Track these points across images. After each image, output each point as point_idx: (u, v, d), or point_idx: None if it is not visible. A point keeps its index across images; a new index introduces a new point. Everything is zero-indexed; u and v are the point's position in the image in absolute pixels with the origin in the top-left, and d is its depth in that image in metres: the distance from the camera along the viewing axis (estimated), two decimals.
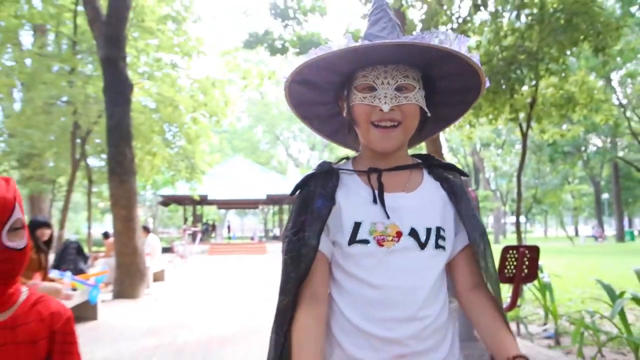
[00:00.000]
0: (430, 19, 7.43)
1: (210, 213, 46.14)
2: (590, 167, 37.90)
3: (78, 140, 15.75)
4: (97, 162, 19.29)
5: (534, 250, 4.32)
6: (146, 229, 11.74)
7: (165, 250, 17.92)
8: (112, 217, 9.87)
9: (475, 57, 1.17)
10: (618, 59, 21.36)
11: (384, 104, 1.15)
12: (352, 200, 1.22)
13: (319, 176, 1.26)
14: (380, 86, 1.17)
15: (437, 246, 1.20)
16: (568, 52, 7.45)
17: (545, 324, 6.38)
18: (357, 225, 1.19)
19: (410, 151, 1.38)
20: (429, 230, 1.20)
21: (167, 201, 34.19)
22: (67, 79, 14.12)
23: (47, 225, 5.71)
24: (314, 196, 1.22)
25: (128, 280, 9.28)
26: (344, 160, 1.34)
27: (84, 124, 14.93)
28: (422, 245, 1.19)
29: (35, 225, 5.64)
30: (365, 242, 1.18)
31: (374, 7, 1.28)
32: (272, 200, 32.42)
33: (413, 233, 1.19)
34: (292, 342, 1.15)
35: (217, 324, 6.91)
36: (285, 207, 35.84)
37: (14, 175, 22.14)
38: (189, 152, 17.89)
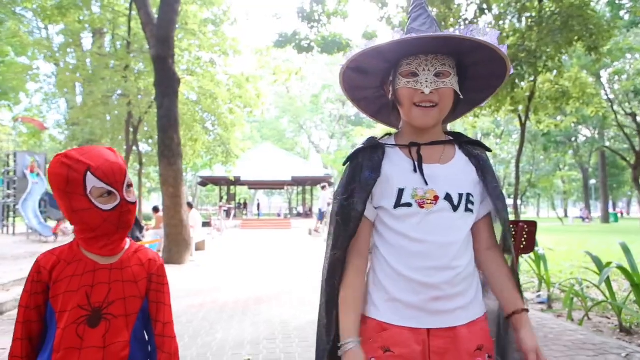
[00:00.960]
0: (440, 22, 7.34)
1: (242, 192, 46.53)
2: (579, 155, 37.18)
3: (131, 129, 16.02)
4: (146, 147, 19.59)
5: (532, 225, 4.33)
6: (190, 205, 11.92)
7: (204, 224, 18.17)
8: (161, 194, 10.05)
9: (504, 48, 1.22)
10: (607, 58, 20.81)
11: (425, 88, 1.21)
12: (396, 170, 1.28)
13: (367, 150, 1.31)
14: (421, 72, 1.23)
15: (467, 209, 1.26)
16: (564, 51, 7.30)
17: (539, 291, 6.38)
18: (400, 191, 1.25)
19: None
20: (460, 196, 1.26)
21: (205, 182, 34.55)
22: (122, 74, 14.30)
23: None
24: (362, 168, 1.28)
25: (175, 248, 9.48)
26: (387, 136, 1.39)
27: (136, 113, 15.16)
28: (455, 208, 1.25)
29: None
30: (409, 205, 1.25)
31: (414, 5, 1.33)
32: (296, 181, 32.53)
33: (448, 197, 1.25)
34: (341, 298, 1.27)
35: (252, 286, 7.05)
36: (308, 187, 35.97)
37: None
38: (224, 138, 18.02)
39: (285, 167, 31.71)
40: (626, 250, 4.33)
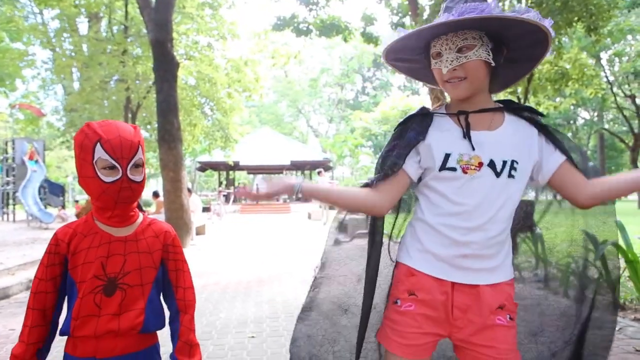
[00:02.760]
0: (438, 4, 7.31)
1: (241, 177, 46.56)
2: (578, 137, 37.17)
3: (129, 115, 15.98)
4: (144, 133, 19.56)
5: (530, 205, 4.41)
6: (189, 190, 11.99)
7: (204, 209, 18.25)
8: (161, 179, 10.09)
9: (531, 14, 1.25)
10: (608, 39, 20.69)
11: (444, 68, 1.30)
12: (444, 135, 1.36)
13: (417, 117, 1.42)
14: (445, 52, 1.30)
15: (510, 175, 1.31)
16: (563, 32, 7.29)
17: (536, 269, 6.50)
18: (447, 156, 1.33)
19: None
20: (504, 163, 1.31)
21: (204, 167, 34.56)
22: (119, 59, 14.22)
23: None
24: (409, 130, 1.40)
25: (176, 232, 9.52)
26: (441, 107, 1.46)
27: (135, 99, 15.11)
28: (498, 174, 1.31)
29: None
30: (453, 169, 1.33)
31: None
32: (295, 165, 32.55)
33: (491, 164, 1.31)
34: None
35: (253, 268, 7.15)
36: (307, 172, 36.00)
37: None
38: (223, 123, 18.00)
39: (284, 152, 31.71)
40: (621, 228, 4.41)
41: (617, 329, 3.71)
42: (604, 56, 26.51)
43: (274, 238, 12.12)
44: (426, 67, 1.43)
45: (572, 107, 29.54)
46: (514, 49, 1.35)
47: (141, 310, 1.30)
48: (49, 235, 12.40)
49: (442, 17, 1.28)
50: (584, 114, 35.49)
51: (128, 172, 1.26)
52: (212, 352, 3.35)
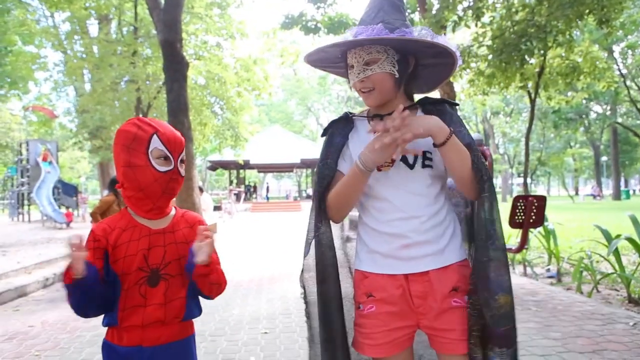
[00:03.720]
0: None
1: (251, 176, 46.74)
2: (591, 132, 36.73)
3: (140, 115, 16.13)
4: None
5: (542, 199, 4.38)
6: (200, 189, 12.08)
7: (215, 208, 18.39)
8: None
9: (422, 33, 1.36)
10: (620, 31, 20.43)
11: (352, 79, 1.43)
12: (360, 138, 1.46)
13: (339, 121, 1.53)
14: (355, 64, 1.40)
15: (424, 165, 1.40)
16: (574, 25, 7.22)
17: (548, 265, 6.45)
18: None
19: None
20: (416, 155, 1.40)
21: (214, 166, 34.77)
22: (130, 60, 14.35)
23: None
24: (335, 135, 1.51)
25: None
26: (364, 111, 1.55)
27: (145, 99, 15.26)
28: (411, 166, 1.40)
29: (116, 182, 5.93)
30: None
31: None
32: (305, 164, 32.61)
33: (403, 158, 1.40)
34: (332, 191, 1.44)
35: (265, 266, 7.20)
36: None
37: (86, 145, 22.87)
38: (233, 122, 18.10)
39: (294, 150, 31.77)
40: (635, 222, 4.38)
41: (631, 324, 3.68)
42: (617, 49, 26.18)
43: (285, 236, 12.17)
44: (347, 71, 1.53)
45: (584, 101, 29.18)
46: (422, 58, 1.45)
47: (183, 299, 1.37)
48: (63, 235, 12.59)
49: (341, 37, 1.41)
50: (596, 108, 35.03)
51: (178, 165, 1.36)
52: (225, 348, 3.39)
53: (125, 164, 1.31)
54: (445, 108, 1.47)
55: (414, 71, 1.45)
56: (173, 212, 1.44)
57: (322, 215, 1.48)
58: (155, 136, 1.32)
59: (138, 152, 1.31)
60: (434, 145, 1.34)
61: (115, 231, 1.34)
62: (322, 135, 1.56)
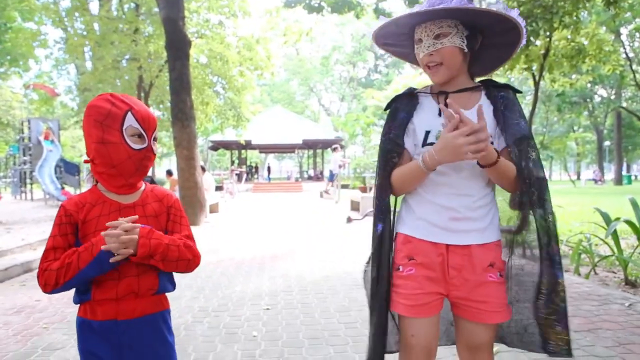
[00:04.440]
0: None
1: (253, 157, 46.70)
2: (594, 116, 36.53)
3: (142, 94, 16.07)
4: (157, 112, 19.66)
5: (543, 180, 4.42)
6: (203, 169, 12.11)
7: (217, 188, 18.44)
8: (175, 157, 10.20)
9: (498, 6, 1.38)
10: (628, 13, 20.12)
11: (422, 52, 1.46)
12: (426, 114, 1.51)
13: (403, 97, 1.57)
14: (424, 38, 1.44)
15: None
16: (581, 6, 7.13)
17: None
18: (427, 133, 1.49)
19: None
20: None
21: (216, 146, 34.73)
22: (131, 38, 14.24)
23: None
24: (399, 110, 1.55)
25: (190, 210, 9.70)
26: (427, 87, 1.59)
27: (147, 78, 15.19)
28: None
29: None
30: (433, 144, 1.44)
31: None
32: (307, 144, 32.59)
33: None
34: (397, 174, 1.49)
35: (267, 245, 7.27)
36: (319, 151, 35.99)
37: None
38: (235, 102, 18.05)
39: (296, 131, 31.69)
40: (635, 205, 4.41)
41: (627, 304, 3.75)
42: (624, 31, 25.84)
43: (287, 215, 12.25)
44: (413, 52, 1.55)
45: (589, 85, 28.95)
46: (489, 36, 1.47)
47: (155, 272, 1.38)
48: None
49: (415, 8, 1.41)
50: (601, 92, 34.76)
51: (151, 142, 1.38)
52: (228, 323, 3.47)
53: (97, 140, 1.31)
54: (508, 94, 1.51)
55: (478, 50, 1.49)
56: (143, 187, 1.45)
57: (389, 190, 1.52)
58: (129, 113, 1.32)
59: (112, 128, 1.31)
60: (479, 164, 1.39)
61: (86, 206, 1.35)
62: (385, 109, 1.60)
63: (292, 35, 13.21)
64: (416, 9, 1.41)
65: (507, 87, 1.52)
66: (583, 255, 5.47)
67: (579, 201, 14.89)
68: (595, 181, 38.07)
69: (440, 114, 1.45)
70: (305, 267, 5.53)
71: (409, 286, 1.48)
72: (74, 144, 38.47)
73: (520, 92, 1.56)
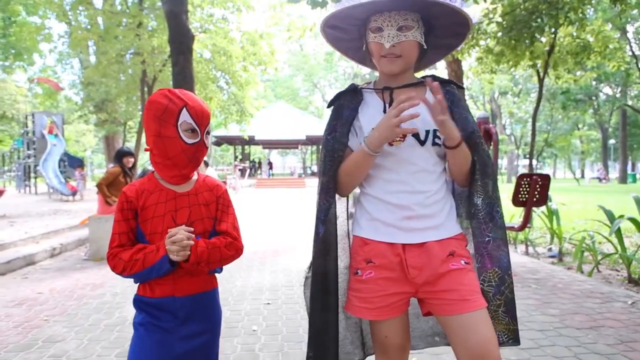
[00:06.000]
0: None
1: (256, 152, 46.73)
2: (599, 114, 36.28)
3: (145, 89, 16.05)
4: None
5: (546, 178, 4.39)
6: (206, 163, 12.10)
7: (225, 188, 18.37)
8: None
9: (456, 2, 1.37)
10: (634, 10, 19.97)
11: (387, 42, 1.39)
12: (371, 111, 1.48)
13: (347, 93, 1.53)
14: (385, 27, 1.39)
15: (434, 143, 1.44)
16: (587, 2, 7.07)
17: (550, 244, 6.48)
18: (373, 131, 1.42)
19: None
20: (427, 132, 1.43)
21: (219, 141, 34.75)
22: (135, 32, 14.22)
23: (131, 154, 6.04)
24: (343, 107, 1.50)
25: None
26: (371, 83, 1.57)
27: (151, 72, 15.16)
28: (422, 143, 1.43)
29: (122, 154, 5.98)
30: None
31: None
32: (310, 140, 32.55)
33: (415, 134, 1.42)
34: (342, 168, 1.47)
35: (269, 240, 7.28)
36: None
37: (92, 118, 22.85)
38: (239, 97, 18.01)
39: (299, 126, 31.66)
40: (639, 203, 4.38)
41: (630, 302, 3.73)
42: (630, 29, 25.64)
43: (289, 211, 12.25)
44: (356, 39, 1.53)
45: (594, 83, 28.77)
46: (438, 35, 1.47)
47: None
48: (69, 207, 12.72)
49: None
50: (606, 90, 34.52)
51: (204, 137, 1.44)
52: (228, 317, 3.46)
53: (155, 133, 1.40)
54: (453, 89, 1.51)
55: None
56: (195, 176, 1.53)
57: (333, 191, 1.49)
58: (184, 109, 1.39)
59: (168, 123, 1.38)
60: (444, 146, 1.39)
61: (144, 193, 1.44)
62: (329, 106, 1.56)
63: (296, 31, 13.10)
64: None
65: (450, 82, 1.52)
66: (586, 253, 5.45)
67: (583, 199, 14.82)
68: (600, 179, 37.89)
69: (385, 111, 1.44)
70: (306, 262, 5.50)
71: (370, 289, 1.45)
72: (78, 138, 38.56)
73: (463, 87, 1.56)
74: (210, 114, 1.49)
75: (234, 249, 1.46)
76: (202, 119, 1.42)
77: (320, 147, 1.54)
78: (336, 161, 1.47)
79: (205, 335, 1.49)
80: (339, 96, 1.54)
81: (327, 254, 1.48)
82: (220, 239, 1.45)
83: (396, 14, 1.38)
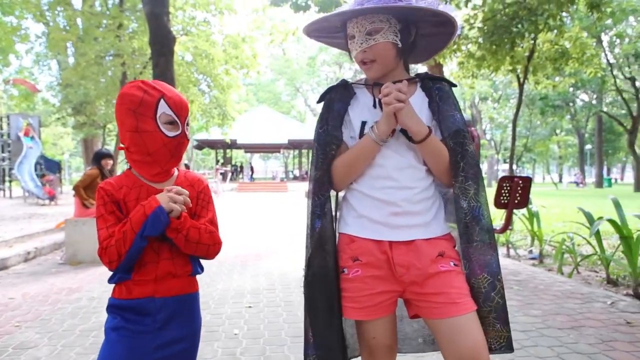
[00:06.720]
0: None
1: (238, 156, 46.43)
2: (576, 120, 37.09)
3: None
4: None
5: (527, 181, 4.42)
6: (187, 167, 11.98)
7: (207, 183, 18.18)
8: None
9: (424, 3, 1.34)
10: (609, 20, 20.51)
11: (354, 50, 1.41)
12: (361, 105, 1.47)
13: (338, 88, 1.50)
14: (357, 34, 1.39)
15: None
16: (565, 9, 7.20)
17: (531, 247, 6.55)
18: (363, 124, 1.44)
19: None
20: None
21: (201, 145, 34.45)
22: (115, 34, 14.00)
23: (110, 156, 5.91)
24: (334, 101, 1.48)
25: None
26: (361, 79, 1.54)
27: (131, 74, 14.92)
28: (410, 139, 1.39)
29: (101, 156, 5.85)
30: None
31: None
32: (292, 144, 32.51)
33: (403, 130, 1.39)
34: (342, 160, 1.44)
35: (251, 243, 7.19)
36: (304, 151, 35.93)
37: (70, 121, 22.40)
38: (221, 100, 17.84)
39: (282, 131, 31.60)
40: (617, 204, 4.44)
41: (609, 302, 3.77)
42: (605, 38, 26.31)
43: (271, 215, 12.16)
44: (342, 39, 1.51)
45: (571, 89, 29.40)
46: (423, 27, 1.43)
47: (186, 255, 1.39)
48: (45, 211, 12.42)
49: (346, 6, 1.39)
50: (583, 96, 35.33)
51: (185, 128, 1.36)
52: (209, 321, 3.39)
53: (131, 128, 1.31)
54: (444, 87, 1.48)
55: (413, 41, 1.44)
56: (176, 172, 1.46)
57: (327, 185, 1.45)
58: (162, 100, 1.31)
59: (146, 117, 1.31)
60: (410, 140, 1.38)
61: (123, 189, 1.36)
62: (319, 100, 1.53)
63: (279, 35, 13.06)
64: (345, 7, 1.37)
65: (442, 79, 1.50)
66: (566, 255, 5.51)
67: (561, 203, 15.08)
68: (577, 184, 38.72)
69: (375, 106, 1.42)
70: (288, 265, 5.46)
71: (357, 288, 1.41)
72: (55, 141, 37.79)
73: (455, 85, 1.52)
74: (188, 104, 1.41)
75: (212, 240, 1.39)
76: (181, 109, 1.35)
77: (313, 139, 1.51)
78: (329, 154, 1.44)
79: (186, 341, 1.40)
80: (329, 90, 1.52)
81: (324, 250, 1.44)
82: (201, 224, 1.38)
83: (363, 19, 1.36)
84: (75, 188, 5.75)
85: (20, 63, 26.71)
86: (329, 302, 1.43)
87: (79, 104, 17.30)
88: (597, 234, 4.66)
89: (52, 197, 15.53)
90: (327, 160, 1.44)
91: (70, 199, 16.66)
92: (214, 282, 4.58)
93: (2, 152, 18.74)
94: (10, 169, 18.06)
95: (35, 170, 17.50)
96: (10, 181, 19.31)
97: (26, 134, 18.33)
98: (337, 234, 1.51)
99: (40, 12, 16.43)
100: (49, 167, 19.07)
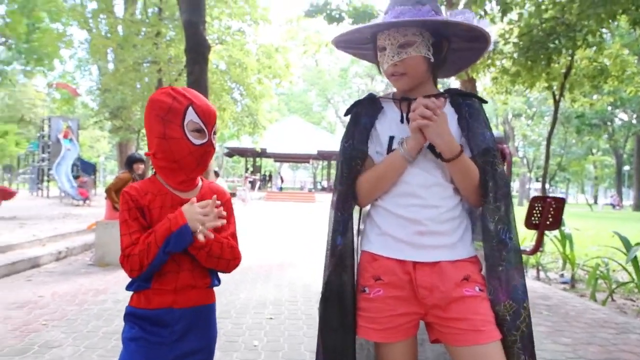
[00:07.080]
0: None
1: (267, 165, 46.85)
2: (614, 139, 35.84)
3: None
4: None
5: (560, 202, 4.27)
6: (216, 174, 12.13)
7: (230, 195, 18.41)
8: None
9: (465, 16, 1.32)
10: None
11: (386, 63, 1.37)
12: (389, 120, 1.43)
13: (365, 102, 1.47)
14: (388, 46, 1.36)
15: None
16: (605, 26, 6.97)
17: (562, 270, 6.31)
18: (391, 139, 1.40)
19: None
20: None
21: (231, 152, 34.88)
22: (153, 41, 14.39)
23: (142, 161, 6.03)
24: (361, 115, 1.45)
25: None
26: (389, 93, 1.51)
27: (166, 81, 15.28)
28: (438, 155, 1.34)
29: (133, 160, 5.97)
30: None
31: None
32: (322, 155, 32.54)
33: (430, 146, 1.34)
34: (368, 176, 1.40)
35: (275, 253, 7.20)
36: (333, 162, 35.91)
37: (107, 125, 23.09)
38: (252, 109, 18.05)
39: (311, 141, 31.70)
40: None
41: None
42: None
43: (297, 225, 12.16)
44: (371, 50, 1.49)
45: (609, 108, 28.48)
46: (455, 41, 1.40)
47: (205, 267, 1.38)
48: (79, 211, 12.77)
49: (380, 18, 1.37)
50: (622, 115, 34.17)
51: (212, 137, 1.36)
52: (229, 331, 3.38)
53: (159, 135, 1.31)
54: (474, 103, 1.43)
55: (444, 55, 1.41)
56: (200, 183, 1.45)
57: (351, 201, 1.42)
58: (190, 108, 1.31)
59: (173, 124, 1.30)
60: (439, 157, 1.33)
61: (148, 195, 1.35)
62: (346, 114, 1.50)
63: (312, 46, 13.16)
64: (379, 20, 1.35)
65: (472, 96, 1.46)
66: (600, 281, 5.28)
67: (596, 225, 14.54)
68: (613, 206, 37.30)
69: (402, 121, 1.39)
70: (312, 276, 5.42)
71: (378, 309, 1.35)
72: (92, 144, 39.01)
73: (485, 101, 1.48)
74: (216, 112, 1.40)
75: (233, 255, 1.38)
76: (209, 117, 1.34)
77: (338, 153, 1.48)
78: (354, 169, 1.40)
79: (202, 353, 1.40)
80: (356, 104, 1.49)
81: (344, 268, 1.40)
82: (223, 238, 1.37)
83: (395, 32, 1.33)
84: (107, 191, 5.89)
85: (63, 68, 27.72)
86: (344, 321, 1.38)
87: (115, 109, 17.81)
88: (635, 261, 4.45)
89: (85, 199, 15.98)
90: (352, 175, 1.40)
91: (103, 200, 17.14)
92: (237, 291, 4.57)
93: (42, 152, 19.46)
94: (49, 169, 18.71)
95: (72, 171, 18.08)
96: (48, 181, 20.01)
97: (65, 136, 19.00)
98: (360, 251, 1.46)
99: (84, 19, 17.10)
100: (84, 169, 19.68)
